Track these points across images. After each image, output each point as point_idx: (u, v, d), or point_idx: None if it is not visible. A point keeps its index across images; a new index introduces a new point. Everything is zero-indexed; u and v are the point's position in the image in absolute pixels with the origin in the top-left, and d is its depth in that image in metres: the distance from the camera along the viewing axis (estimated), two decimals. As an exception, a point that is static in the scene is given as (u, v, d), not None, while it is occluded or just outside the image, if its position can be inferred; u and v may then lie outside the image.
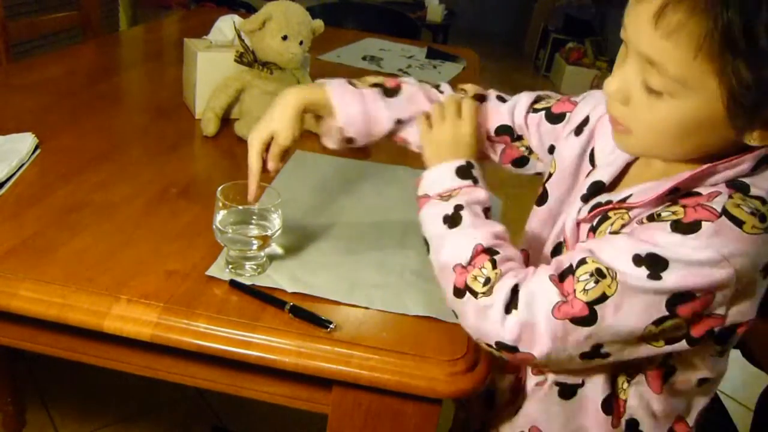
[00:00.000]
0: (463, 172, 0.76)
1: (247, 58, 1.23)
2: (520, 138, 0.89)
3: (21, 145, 1.02)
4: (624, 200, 0.67)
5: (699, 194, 0.61)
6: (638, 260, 0.59)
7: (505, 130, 0.89)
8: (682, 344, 0.62)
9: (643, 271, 0.58)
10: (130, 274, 0.76)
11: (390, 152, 1.26)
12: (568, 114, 0.84)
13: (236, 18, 1.32)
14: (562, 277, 0.63)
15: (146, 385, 1.63)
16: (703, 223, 0.57)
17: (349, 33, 2.29)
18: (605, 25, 5.42)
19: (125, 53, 1.86)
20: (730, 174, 0.61)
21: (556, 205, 0.82)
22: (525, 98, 0.89)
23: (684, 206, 0.60)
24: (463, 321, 0.68)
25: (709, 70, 0.54)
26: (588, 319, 0.60)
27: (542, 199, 0.84)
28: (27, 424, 1.55)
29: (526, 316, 0.62)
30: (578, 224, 0.74)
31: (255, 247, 0.78)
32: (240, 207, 0.80)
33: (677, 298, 0.58)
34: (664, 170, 0.67)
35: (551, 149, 0.85)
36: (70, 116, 1.23)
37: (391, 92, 0.84)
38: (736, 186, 0.60)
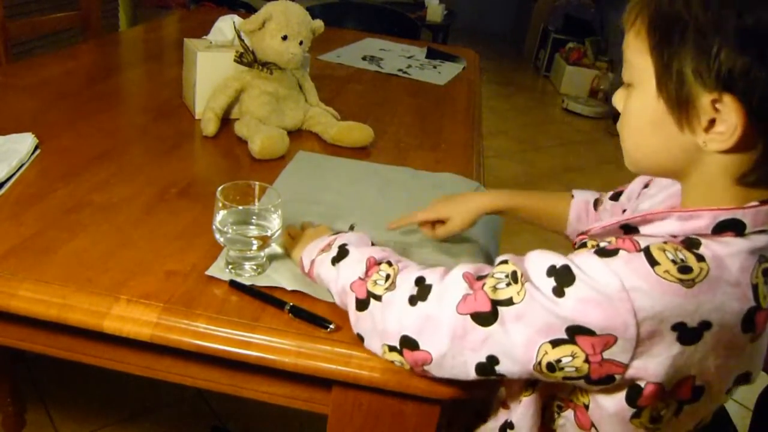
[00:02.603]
0: (333, 235, 0.78)
1: (247, 58, 1.23)
2: None
3: (21, 145, 1.02)
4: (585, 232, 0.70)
5: (639, 233, 0.63)
6: (551, 271, 0.59)
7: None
8: (581, 382, 0.60)
9: (551, 283, 0.58)
10: (130, 274, 0.76)
11: (391, 153, 1.26)
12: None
13: (236, 18, 1.32)
14: (480, 277, 0.64)
15: (146, 385, 1.64)
16: (620, 251, 0.58)
17: (349, 33, 2.29)
18: (605, 25, 5.41)
19: (125, 53, 1.86)
20: (687, 227, 0.60)
21: None
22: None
23: (617, 238, 0.61)
24: (371, 338, 0.67)
25: (644, 49, 0.59)
26: (488, 317, 0.60)
27: None
28: (27, 424, 1.55)
29: (432, 308, 0.62)
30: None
31: (255, 247, 0.78)
32: (240, 207, 0.80)
33: (577, 329, 0.57)
34: None
35: None
36: (70, 116, 1.23)
37: None
38: (686, 241, 0.59)
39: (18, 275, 0.73)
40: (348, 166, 1.17)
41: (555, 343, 0.58)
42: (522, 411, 0.73)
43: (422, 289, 0.64)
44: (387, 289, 0.66)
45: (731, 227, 0.58)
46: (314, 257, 0.76)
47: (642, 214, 0.63)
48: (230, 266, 0.79)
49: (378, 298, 0.66)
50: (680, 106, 0.57)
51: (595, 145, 4.14)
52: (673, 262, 0.56)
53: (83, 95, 1.36)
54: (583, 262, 0.58)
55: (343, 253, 0.73)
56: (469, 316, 0.61)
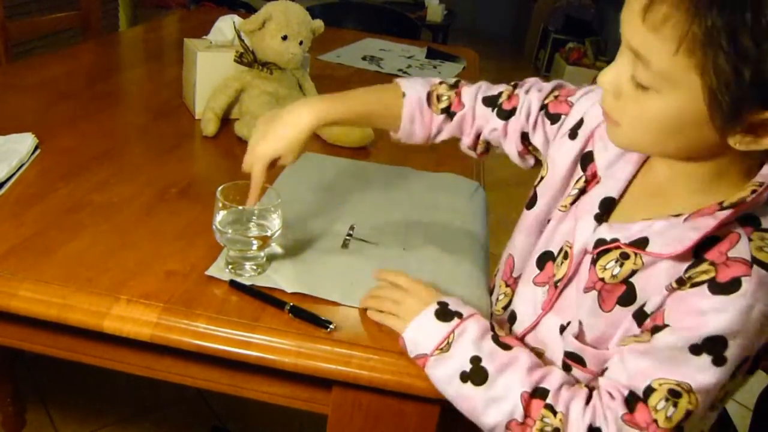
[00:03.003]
0: (443, 314, 0.69)
1: (247, 58, 1.23)
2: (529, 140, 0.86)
3: (21, 145, 1.02)
4: (639, 245, 0.64)
5: (718, 239, 0.60)
6: (697, 350, 0.58)
7: (525, 137, 0.86)
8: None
9: (706, 359, 0.58)
10: (130, 275, 0.76)
11: (391, 153, 1.26)
12: (563, 116, 0.82)
13: (236, 18, 1.32)
14: (630, 406, 0.61)
15: (146, 385, 1.64)
16: (742, 279, 0.57)
17: (349, 33, 2.29)
18: (605, 25, 5.41)
19: (125, 53, 1.85)
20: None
21: (543, 211, 0.81)
22: (536, 100, 0.85)
23: (713, 264, 0.59)
24: None
25: (690, 66, 0.54)
26: None
27: (531, 203, 0.83)
28: (27, 424, 1.55)
29: None
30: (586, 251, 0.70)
31: (255, 247, 0.78)
32: (240, 207, 0.80)
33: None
34: (666, 192, 0.66)
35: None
36: (70, 116, 1.23)
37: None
38: (748, 222, 0.60)
39: (18, 275, 0.73)
40: (348, 166, 1.17)
41: (723, 386, 0.60)
42: None
43: None
44: None
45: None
46: (428, 353, 0.67)
47: (716, 226, 0.59)
48: (230, 266, 0.79)
49: None
50: (729, 120, 0.55)
51: (595, 145, 4.13)
52: None
53: (83, 95, 1.36)
54: (712, 307, 0.57)
55: (479, 373, 0.65)
56: None
